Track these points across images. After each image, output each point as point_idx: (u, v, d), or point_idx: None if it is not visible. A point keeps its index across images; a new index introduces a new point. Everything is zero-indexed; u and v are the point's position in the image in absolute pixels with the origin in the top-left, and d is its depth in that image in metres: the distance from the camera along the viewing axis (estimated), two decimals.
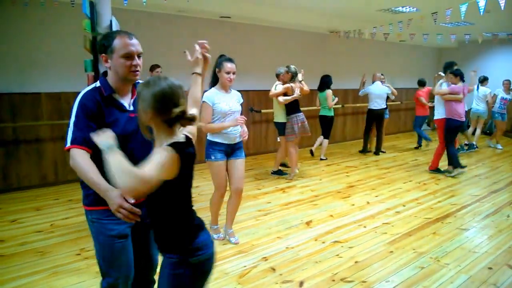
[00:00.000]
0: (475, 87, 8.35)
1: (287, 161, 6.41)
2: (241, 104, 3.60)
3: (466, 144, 8.44)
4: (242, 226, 4.14)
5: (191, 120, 1.53)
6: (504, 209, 4.70)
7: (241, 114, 3.56)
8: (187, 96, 1.60)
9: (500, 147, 8.73)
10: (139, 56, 1.84)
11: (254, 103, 7.57)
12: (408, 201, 4.97)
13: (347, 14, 7.52)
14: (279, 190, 5.43)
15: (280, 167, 6.29)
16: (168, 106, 1.47)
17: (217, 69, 3.44)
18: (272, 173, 6.22)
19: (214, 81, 3.50)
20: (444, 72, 6.39)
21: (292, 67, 5.87)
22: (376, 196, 5.18)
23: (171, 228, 1.63)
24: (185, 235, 1.63)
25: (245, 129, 3.50)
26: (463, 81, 6.13)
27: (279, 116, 5.90)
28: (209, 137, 3.51)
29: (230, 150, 3.52)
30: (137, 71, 1.83)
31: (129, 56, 1.78)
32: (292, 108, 5.81)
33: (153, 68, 5.71)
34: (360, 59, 9.80)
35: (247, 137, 3.52)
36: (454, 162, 6.16)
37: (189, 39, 6.62)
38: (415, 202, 4.95)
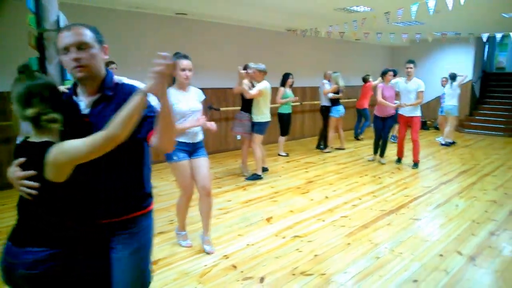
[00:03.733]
0: (448, 84, 8.73)
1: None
2: (203, 101, 3.53)
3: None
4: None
5: (48, 122, 1.46)
6: (453, 199, 4.96)
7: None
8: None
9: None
10: (80, 48, 1.55)
11: (212, 101, 7.51)
12: (364, 195, 5.12)
13: (304, 13, 7.62)
14: (240, 188, 5.43)
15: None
16: (21, 107, 1.45)
17: None
18: (248, 178, 5.92)
19: (171, 80, 3.41)
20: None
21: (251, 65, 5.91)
22: (334, 191, 5.30)
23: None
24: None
25: (211, 123, 3.43)
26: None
27: (261, 116, 5.73)
28: None
29: (192, 149, 3.45)
30: (80, 66, 1.54)
31: (65, 50, 1.56)
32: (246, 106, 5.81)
33: (107, 65, 5.50)
34: (317, 57, 9.98)
35: (215, 127, 3.42)
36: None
37: (144, 36, 6.48)
38: (370, 195, 5.11)
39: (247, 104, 5.73)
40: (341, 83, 7.74)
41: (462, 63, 11.29)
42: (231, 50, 7.88)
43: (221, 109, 7.48)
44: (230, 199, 4.94)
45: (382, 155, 7.04)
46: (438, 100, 10.49)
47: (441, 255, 3.39)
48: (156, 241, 3.70)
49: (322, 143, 8.22)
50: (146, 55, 6.65)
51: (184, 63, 3.26)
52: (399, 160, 6.95)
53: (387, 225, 4.09)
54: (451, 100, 8.74)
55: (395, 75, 7.00)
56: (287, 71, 7.29)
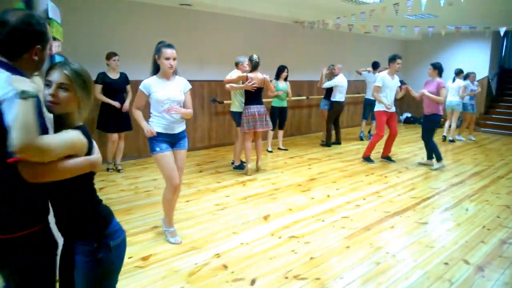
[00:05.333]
0: (451, 80, 8.50)
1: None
2: (188, 91, 3.41)
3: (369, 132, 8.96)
4: (198, 221, 3.93)
5: None
6: (463, 202, 4.70)
7: (183, 103, 3.34)
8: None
9: (473, 138, 9.00)
10: None
11: (217, 94, 7.33)
12: (368, 194, 4.90)
13: (311, 4, 7.37)
14: (239, 183, 5.25)
15: (242, 160, 6.06)
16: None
17: (156, 56, 3.23)
18: (234, 168, 5.96)
19: (155, 69, 3.28)
20: (388, 64, 6.48)
21: (255, 56, 5.69)
22: (337, 189, 5.08)
23: (86, 214, 1.62)
24: (102, 219, 1.66)
25: (179, 109, 3.26)
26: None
27: (233, 105, 5.80)
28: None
29: (173, 140, 3.35)
30: None
31: None
32: (248, 99, 5.55)
33: (109, 56, 5.34)
34: (324, 50, 9.70)
35: (174, 110, 3.20)
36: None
37: (148, 27, 6.30)
38: (375, 195, 4.89)
39: (252, 96, 5.62)
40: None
41: (477, 59, 10.89)
42: (236, 42, 7.65)
43: (225, 101, 7.29)
44: (228, 194, 4.77)
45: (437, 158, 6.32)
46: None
47: (446, 263, 3.17)
48: (150, 236, 3.57)
49: (334, 139, 8.16)
50: (148, 46, 6.48)
51: (168, 52, 3.16)
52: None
53: (391, 228, 3.86)
54: (456, 96, 8.47)
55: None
56: (294, 64, 7.10)
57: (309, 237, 3.61)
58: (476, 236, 3.71)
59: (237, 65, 5.57)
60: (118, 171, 5.65)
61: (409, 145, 8.28)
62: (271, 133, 7.23)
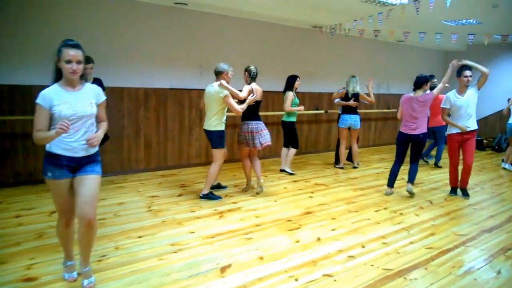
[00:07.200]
0: None
1: (220, 180, 5.49)
2: (102, 103, 2.69)
3: None
4: (134, 268, 3.08)
5: None
6: (495, 259, 3.56)
7: (98, 116, 2.66)
8: None
9: None
10: None
11: None
12: (371, 240, 3.86)
13: (329, 6, 6.44)
14: (217, 214, 4.39)
15: (211, 190, 5.02)
16: None
17: (56, 58, 2.45)
18: (201, 196, 4.86)
19: (58, 75, 2.51)
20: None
21: (253, 67, 5.02)
22: (333, 230, 4.08)
23: None
24: None
25: (96, 135, 2.57)
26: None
27: (211, 124, 4.77)
28: (47, 147, 2.53)
29: (77, 165, 2.56)
30: None
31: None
32: (247, 113, 4.94)
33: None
34: (348, 60, 8.68)
35: (95, 142, 2.52)
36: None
37: (139, 28, 5.59)
38: (380, 241, 3.84)
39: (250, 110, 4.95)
40: (352, 88, 6.59)
41: None
42: (237, 46, 6.86)
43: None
44: (194, 229, 3.91)
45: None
46: (499, 115, 8.81)
47: None
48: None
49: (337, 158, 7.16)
50: (142, 47, 5.84)
51: (71, 53, 2.41)
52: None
53: None
54: None
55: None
56: (312, 74, 6.23)
57: None
58: None
59: (219, 74, 4.70)
60: None
61: (439, 170, 7.07)
62: (292, 151, 6.40)
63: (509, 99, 7.61)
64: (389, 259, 3.44)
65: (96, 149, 2.66)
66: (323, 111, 8.26)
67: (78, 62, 2.43)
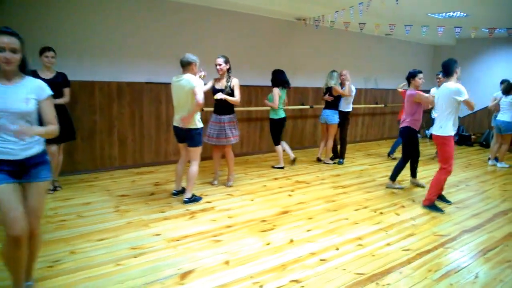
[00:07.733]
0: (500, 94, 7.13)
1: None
2: (48, 99, 2.41)
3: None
4: (89, 274, 2.87)
5: None
6: (474, 262, 3.39)
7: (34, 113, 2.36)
8: None
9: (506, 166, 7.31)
10: None
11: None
12: (346, 241, 3.68)
13: None
14: (188, 215, 4.18)
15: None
16: None
17: None
18: (184, 201, 4.50)
19: None
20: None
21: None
22: (309, 231, 3.89)
23: None
24: None
25: (29, 127, 2.27)
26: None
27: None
28: None
29: (20, 169, 2.31)
30: None
31: None
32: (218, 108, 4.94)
33: (42, 51, 4.44)
34: (335, 54, 8.47)
35: (24, 133, 2.17)
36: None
37: (112, 17, 5.31)
38: (355, 242, 3.66)
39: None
40: (326, 82, 6.65)
41: None
42: (217, 39, 6.62)
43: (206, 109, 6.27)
44: (160, 232, 3.70)
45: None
46: (487, 111, 8.66)
47: None
48: None
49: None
50: (116, 38, 5.59)
51: (5, 40, 2.16)
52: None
53: None
54: (507, 113, 6.96)
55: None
56: (295, 69, 6.04)
57: None
58: None
59: (189, 65, 4.40)
60: (55, 189, 4.74)
61: (425, 167, 6.91)
62: (278, 148, 6.29)
63: (495, 99, 7.40)
64: (363, 263, 3.26)
65: (40, 148, 2.42)
66: (308, 106, 8.06)
67: (13, 51, 2.18)
